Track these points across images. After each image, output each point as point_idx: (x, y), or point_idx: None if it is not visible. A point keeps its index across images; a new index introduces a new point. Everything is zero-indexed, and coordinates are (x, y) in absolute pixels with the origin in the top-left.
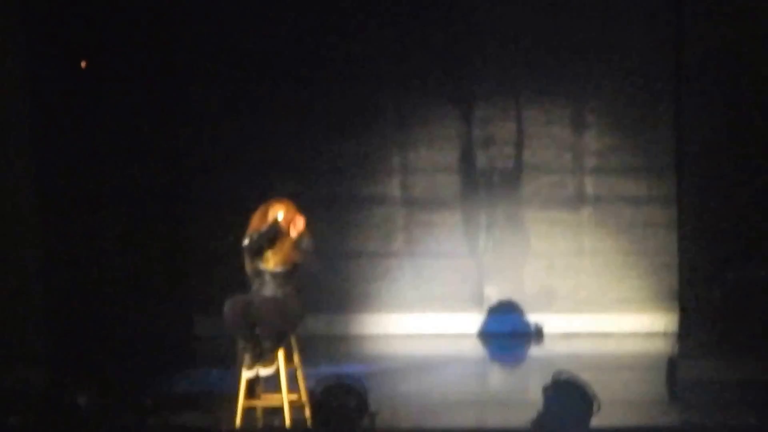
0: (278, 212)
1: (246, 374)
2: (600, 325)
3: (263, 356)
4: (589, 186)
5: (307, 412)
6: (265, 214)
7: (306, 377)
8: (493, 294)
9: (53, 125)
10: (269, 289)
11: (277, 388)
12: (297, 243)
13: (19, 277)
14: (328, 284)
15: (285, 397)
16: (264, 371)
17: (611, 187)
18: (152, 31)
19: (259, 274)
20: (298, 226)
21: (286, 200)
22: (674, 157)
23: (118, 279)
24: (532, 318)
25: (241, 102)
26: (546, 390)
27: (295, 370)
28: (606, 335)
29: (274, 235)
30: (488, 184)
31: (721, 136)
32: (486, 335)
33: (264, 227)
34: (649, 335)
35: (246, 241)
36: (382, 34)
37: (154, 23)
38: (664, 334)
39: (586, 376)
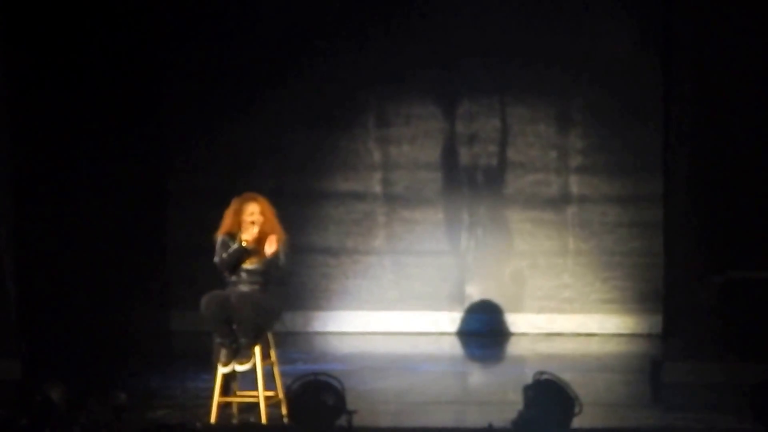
0: (248, 230)
1: (222, 370)
2: (583, 325)
3: (240, 352)
4: (574, 185)
5: (284, 409)
6: (238, 211)
7: (283, 374)
8: (475, 293)
9: (31, 118)
10: (246, 285)
11: (254, 385)
12: (272, 260)
13: None
14: (308, 281)
15: (261, 394)
16: (240, 367)
17: (596, 186)
18: (133, 27)
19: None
20: (272, 246)
21: (260, 196)
22: (661, 156)
23: (94, 274)
24: (513, 317)
25: (222, 98)
26: (527, 390)
27: (272, 367)
28: (589, 336)
29: (245, 256)
30: (471, 181)
31: (709, 136)
32: (467, 334)
33: (232, 249)
34: (633, 336)
35: (216, 259)
36: (365, 30)
37: (136, 19)
38: (648, 336)
39: (568, 377)
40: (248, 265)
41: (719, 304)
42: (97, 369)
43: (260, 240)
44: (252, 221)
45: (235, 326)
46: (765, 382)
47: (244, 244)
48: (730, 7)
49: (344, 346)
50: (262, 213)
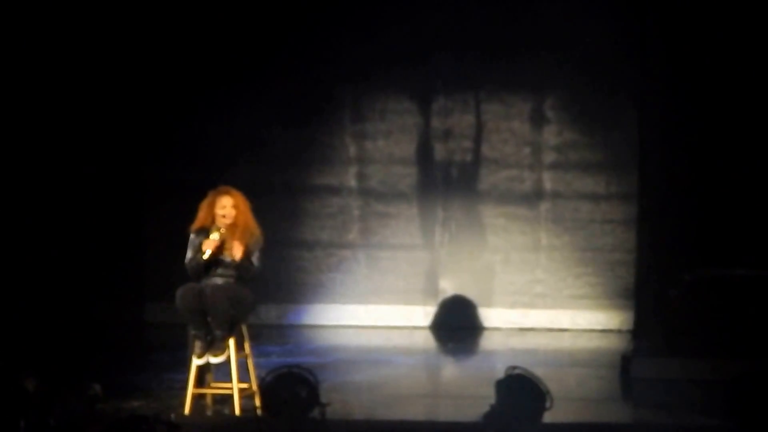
0: (209, 238)
1: (196, 362)
2: (555, 320)
3: (214, 344)
4: (547, 181)
5: (257, 401)
6: (211, 204)
7: (257, 366)
8: (448, 287)
9: (7, 111)
10: (221, 278)
11: (228, 377)
12: (242, 266)
13: None
14: (282, 274)
15: (235, 386)
16: (214, 359)
17: (569, 183)
18: (112, 22)
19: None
20: (238, 252)
21: (234, 190)
22: (634, 154)
23: (69, 264)
24: (486, 312)
25: (199, 90)
26: (499, 384)
27: (246, 359)
28: (561, 331)
29: (212, 260)
30: (446, 177)
31: (683, 136)
32: (440, 328)
33: (195, 261)
34: (604, 332)
35: (186, 261)
36: (342, 25)
37: (116, 15)
38: (619, 332)
39: (539, 372)
40: (222, 257)
41: (689, 302)
42: (71, 360)
43: (233, 232)
44: (223, 215)
45: (209, 318)
46: (738, 379)
47: (205, 256)
48: (705, 7)
49: (318, 339)
50: (235, 206)
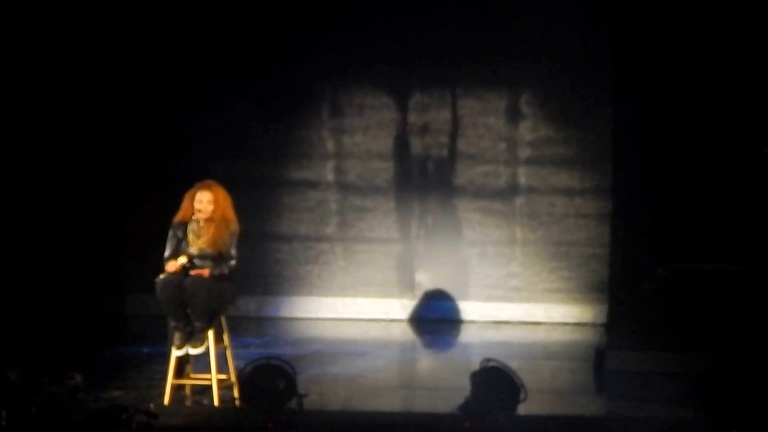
0: (172, 263)
1: (176, 353)
2: (530, 314)
3: (193, 336)
4: (523, 176)
5: (236, 392)
6: (192, 197)
7: (236, 358)
8: (425, 280)
9: None
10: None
11: (207, 368)
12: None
13: None
14: (260, 266)
15: (214, 377)
16: (194, 350)
17: (544, 178)
18: (92, 18)
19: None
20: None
21: (215, 185)
22: (609, 150)
23: (50, 256)
24: (462, 305)
25: (178, 85)
26: (474, 376)
27: (225, 351)
28: (535, 324)
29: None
30: (422, 171)
31: (657, 132)
32: (417, 321)
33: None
34: (579, 325)
35: (164, 258)
36: (320, 21)
37: (96, 10)
38: (593, 325)
39: (514, 364)
40: (196, 252)
41: (662, 296)
42: (53, 350)
43: (209, 227)
44: (200, 209)
45: (189, 310)
46: (710, 372)
47: (162, 276)
48: (678, 6)
49: (296, 331)
50: (213, 201)
